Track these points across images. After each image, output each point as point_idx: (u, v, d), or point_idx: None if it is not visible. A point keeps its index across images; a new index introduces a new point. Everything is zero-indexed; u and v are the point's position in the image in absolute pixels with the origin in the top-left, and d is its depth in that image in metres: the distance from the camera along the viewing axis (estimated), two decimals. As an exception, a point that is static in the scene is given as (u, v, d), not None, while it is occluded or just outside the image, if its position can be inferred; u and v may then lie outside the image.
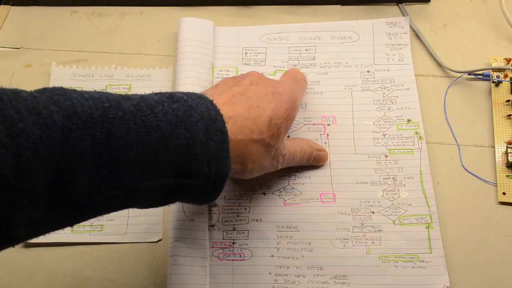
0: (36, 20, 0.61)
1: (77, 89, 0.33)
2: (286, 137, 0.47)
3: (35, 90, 0.32)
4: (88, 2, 0.62)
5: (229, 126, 0.37)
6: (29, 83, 0.56)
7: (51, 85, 0.55)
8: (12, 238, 0.30)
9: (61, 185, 0.29)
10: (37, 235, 0.31)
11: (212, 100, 0.38)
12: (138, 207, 0.37)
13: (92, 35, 0.60)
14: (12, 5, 0.62)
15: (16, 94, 0.29)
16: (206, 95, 0.39)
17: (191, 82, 0.53)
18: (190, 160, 0.35)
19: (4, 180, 0.27)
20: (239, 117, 0.39)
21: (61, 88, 0.32)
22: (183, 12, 0.61)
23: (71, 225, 0.33)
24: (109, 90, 0.55)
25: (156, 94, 0.37)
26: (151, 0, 0.62)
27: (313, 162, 0.50)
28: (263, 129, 0.41)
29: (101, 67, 0.57)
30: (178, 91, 0.38)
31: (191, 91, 0.39)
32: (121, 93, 0.35)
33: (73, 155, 0.29)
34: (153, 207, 0.38)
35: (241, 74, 0.48)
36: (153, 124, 0.33)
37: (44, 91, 0.31)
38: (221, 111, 0.37)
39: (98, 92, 0.34)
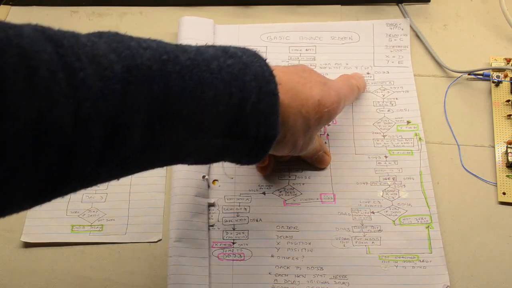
0: (36, 20, 0.60)
1: None
2: None
3: (91, 33, 0.31)
4: (88, 2, 0.62)
5: (281, 90, 0.37)
6: (29, 83, 0.56)
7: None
8: (61, 189, 0.30)
9: (116, 139, 0.29)
10: (80, 187, 0.31)
11: (265, 60, 0.37)
12: (185, 163, 0.37)
13: (92, 35, 0.60)
14: (12, 5, 0.62)
15: (75, 38, 0.29)
16: (259, 53, 0.38)
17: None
18: (240, 121, 0.35)
19: (62, 131, 0.26)
20: (292, 86, 0.39)
21: (118, 34, 0.32)
22: (183, 12, 0.61)
23: (115, 178, 0.33)
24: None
25: (209, 46, 0.36)
26: (151, 0, 0.62)
27: (315, 161, 0.50)
28: (310, 109, 0.40)
29: (101, 67, 0.57)
30: (231, 46, 0.37)
31: (243, 47, 0.38)
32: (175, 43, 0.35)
33: (130, 109, 0.29)
34: (197, 164, 0.38)
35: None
36: (208, 81, 0.33)
37: (100, 35, 0.31)
38: (275, 74, 0.37)
39: (155, 40, 0.33)
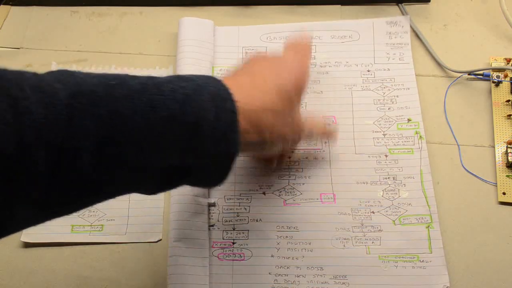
0: (36, 20, 0.61)
1: None
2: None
3: (37, 73, 0.32)
4: (88, 2, 0.62)
5: (239, 97, 0.36)
6: (29, 83, 0.56)
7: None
8: (11, 223, 0.30)
9: (63, 164, 0.29)
10: (34, 222, 0.31)
11: (220, 80, 0.37)
12: (143, 192, 0.36)
13: (92, 35, 0.60)
14: (12, 5, 0.62)
15: (20, 74, 0.29)
16: (214, 76, 0.38)
17: (191, 82, 0.53)
18: (197, 139, 0.34)
19: (6, 158, 0.27)
20: (246, 88, 0.38)
21: (67, 70, 0.32)
22: (183, 12, 0.60)
23: (69, 212, 0.33)
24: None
25: (163, 77, 0.36)
26: (151, 0, 0.62)
27: (327, 135, 0.49)
28: (273, 98, 0.39)
29: (101, 67, 0.57)
30: (185, 75, 0.37)
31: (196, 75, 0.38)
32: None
33: (77, 133, 0.29)
34: (159, 191, 0.37)
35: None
36: (160, 102, 0.32)
37: (49, 73, 0.31)
38: (229, 88, 0.36)
39: (105, 73, 0.33)
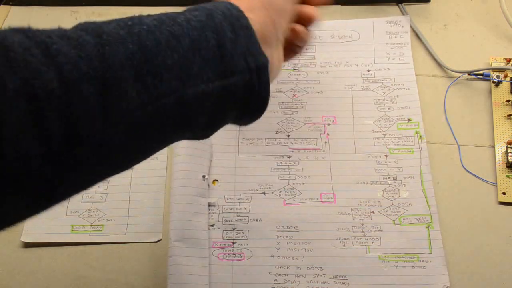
0: (36, 20, 0.61)
1: None
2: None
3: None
4: (88, 2, 0.62)
5: (251, 18, 0.37)
6: (29, 83, 0.56)
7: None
8: (75, 160, 0.29)
9: (111, 94, 0.29)
10: (95, 154, 0.30)
11: (228, 1, 0.37)
12: (193, 134, 0.37)
13: (92, 35, 0.60)
14: (12, 5, 0.62)
15: (41, 29, 0.29)
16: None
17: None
18: (225, 58, 0.34)
19: (53, 93, 0.26)
20: (256, 9, 0.38)
21: (85, 21, 0.32)
22: (183, 12, 0.60)
23: (131, 144, 0.32)
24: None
25: (172, 12, 0.37)
26: (151, 0, 0.62)
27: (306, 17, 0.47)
28: (273, 22, 0.39)
29: (101, 67, 0.57)
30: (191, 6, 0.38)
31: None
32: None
33: (113, 66, 0.29)
34: (208, 129, 0.37)
35: None
36: (179, 32, 0.33)
37: (69, 28, 0.32)
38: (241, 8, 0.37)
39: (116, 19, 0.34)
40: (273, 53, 0.39)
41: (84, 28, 0.31)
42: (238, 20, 0.36)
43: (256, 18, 0.38)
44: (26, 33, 0.28)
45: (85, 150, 0.29)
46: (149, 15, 0.35)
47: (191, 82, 0.33)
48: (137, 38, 0.31)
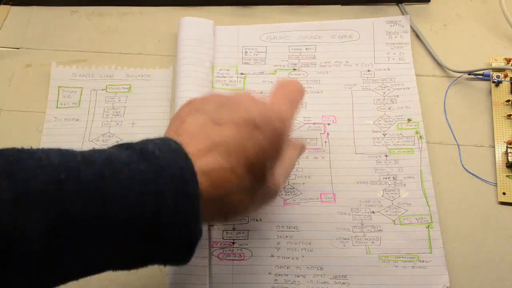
0: (36, 20, 0.61)
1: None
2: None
3: None
4: (88, 2, 0.62)
5: (204, 184, 0.33)
6: (29, 83, 0.56)
7: (51, 85, 0.56)
8: None
9: (9, 268, 0.28)
10: None
11: (187, 155, 0.33)
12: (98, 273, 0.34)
13: (92, 35, 0.60)
14: (12, 5, 0.62)
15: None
16: (181, 146, 0.34)
17: (191, 82, 0.53)
18: (156, 231, 0.31)
19: None
20: (215, 171, 0.34)
21: (19, 153, 0.30)
22: (183, 12, 0.60)
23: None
24: (109, 90, 0.55)
25: (127, 148, 0.33)
26: (151, 0, 0.62)
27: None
28: (244, 177, 0.35)
29: (101, 67, 0.57)
30: (152, 142, 0.34)
31: (165, 140, 0.34)
32: (86, 151, 0.32)
33: (23, 237, 0.27)
34: (120, 269, 0.35)
35: (224, 97, 0.39)
36: (115, 195, 0.30)
37: (1, 154, 0.29)
38: (196, 166, 0.33)
39: (61, 153, 0.31)
40: (238, 196, 0.36)
41: (11, 172, 0.28)
42: (186, 186, 0.32)
43: (210, 162, 0.34)
44: None
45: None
46: (94, 162, 0.31)
47: (109, 250, 0.31)
48: (63, 202, 0.29)
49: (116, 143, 0.35)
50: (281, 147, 0.38)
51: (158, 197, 0.31)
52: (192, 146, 0.34)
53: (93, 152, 0.32)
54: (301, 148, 0.45)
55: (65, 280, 0.31)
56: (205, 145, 0.35)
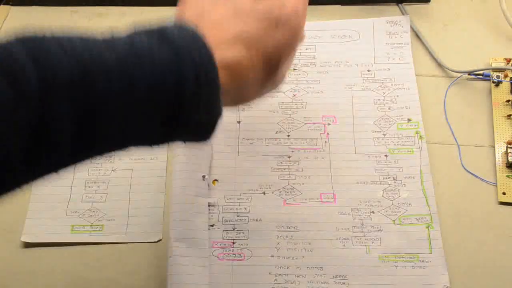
0: (36, 20, 0.61)
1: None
2: None
3: (16, 37, 0.30)
4: (88, 2, 0.62)
5: (222, 75, 0.34)
6: (29, 83, 0.56)
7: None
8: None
9: (41, 146, 0.29)
10: (21, 184, 0.30)
11: (206, 42, 0.34)
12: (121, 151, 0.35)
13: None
14: (12, 5, 0.62)
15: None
16: (200, 35, 0.34)
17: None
18: (179, 110, 0.33)
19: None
20: (236, 64, 0.36)
21: (40, 38, 0.30)
22: (183, 12, 0.60)
23: (51, 171, 0.32)
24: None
25: (147, 32, 0.33)
26: (151, 0, 0.62)
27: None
28: (259, 69, 0.37)
29: (101, 67, 0.57)
30: (170, 26, 0.34)
31: (184, 26, 0.34)
32: (107, 36, 0.33)
33: (52, 116, 0.28)
34: (142, 147, 0.36)
35: None
36: (138, 77, 0.31)
37: (20, 38, 0.30)
38: (218, 57, 0.33)
39: (82, 39, 0.31)
40: (250, 87, 0.37)
41: (36, 59, 0.29)
42: (206, 73, 0.33)
43: (230, 55, 0.35)
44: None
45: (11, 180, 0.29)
46: (113, 47, 0.31)
47: (134, 129, 0.32)
48: (89, 85, 0.29)
49: (134, 27, 0.35)
50: (296, 43, 0.40)
51: (179, 78, 0.32)
52: (214, 37, 0.35)
53: (114, 37, 0.33)
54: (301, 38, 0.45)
55: (91, 156, 0.33)
56: (228, 36, 0.36)
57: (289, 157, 0.51)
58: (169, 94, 0.32)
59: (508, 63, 0.55)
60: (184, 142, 0.37)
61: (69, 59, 0.29)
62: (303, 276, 0.46)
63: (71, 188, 0.51)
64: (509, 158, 0.49)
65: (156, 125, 0.33)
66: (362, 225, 0.48)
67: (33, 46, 0.29)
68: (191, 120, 0.34)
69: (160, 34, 0.33)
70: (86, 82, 0.29)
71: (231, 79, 0.35)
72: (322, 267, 0.46)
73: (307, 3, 0.42)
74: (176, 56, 0.32)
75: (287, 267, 0.46)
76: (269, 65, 0.37)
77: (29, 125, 0.28)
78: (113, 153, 0.34)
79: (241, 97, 0.39)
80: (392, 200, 0.49)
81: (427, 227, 0.47)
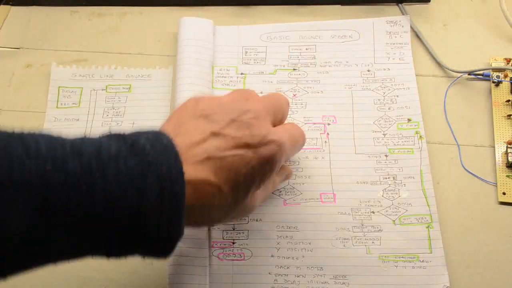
0: (36, 20, 0.61)
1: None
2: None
3: None
4: (88, 2, 0.62)
5: (188, 190, 0.33)
6: (29, 83, 0.56)
7: (51, 85, 0.56)
8: None
9: None
10: None
11: (178, 153, 0.33)
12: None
13: (92, 35, 0.60)
14: (12, 5, 0.62)
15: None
16: (173, 143, 0.34)
17: (191, 82, 0.53)
18: (138, 226, 0.32)
19: None
20: (202, 182, 0.35)
21: (9, 138, 0.30)
22: (183, 12, 0.60)
23: None
24: (109, 90, 0.55)
25: (118, 139, 0.33)
26: (151, 0, 0.62)
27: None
28: (227, 195, 0.36)
29: (101, 67, 0.57)
30: (144, 135, 0.33)
31: (158, 134, 0.34)
32: (77, 139, 0.32)
33: (5, 216, 0.28)
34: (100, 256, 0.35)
35: (235, 111, 0.38)
36: (99, 188, 0.30)
37: None
38: (185, 171, 0.33)
39: (50, 141, 0.31)
40: (214, 211, 0.37)
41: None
42: (172, 185, 0.32)
43: (200, 174, 0.35)
44: None
45: None
46: (81, 154, 0.31)
47: (87, 242, 0.31)
48: (47, 192, 0.29)
49: (108, 132, 0.34)
50: (272, 173, 0.39)
51: (142, 194, 0.31)
52: (187, 151, 0.35)
53: (83, 141, 0.32)
54: (287, 176, 0.47)
55: (43, 264, 0.32)
56: (200, 155, 0.35)
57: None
58: (130, 206, 0.31)
59: (508, 63, 0.55)
60: (143, 257, 0.35)
61: (30, 164, 0.29)
62: (303, 276, 0.46)
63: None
64: (509, 158, 0.49)
65: (115, 236, 0.32)
66: (362, 225, 0.48)
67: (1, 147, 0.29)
68: (150, 234, 0.32)
69: (132, 143, 0.33)
70: (43, 188, 0.29)
71: (196, 197, 0.34)
72: (322, 267, 0.46)
73: (294, 145, 0.42)
74: (142, 168, 0.31)
75: (287, 267, 0.46)
76: (238, 191, 0.37)
77: None
78: (68, 261, 0.33)
79: (205, 219, 0.38)
80: (392, 200, 0.49)
81: (427, 227, 0.47)
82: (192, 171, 0.34)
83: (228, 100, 0.39)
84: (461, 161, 0.51)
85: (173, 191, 0.32)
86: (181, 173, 0.33)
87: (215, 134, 0.36)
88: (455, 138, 0.52)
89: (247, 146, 0.36)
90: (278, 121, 0.42)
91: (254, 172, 0.37)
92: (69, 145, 0.31)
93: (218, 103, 0.39)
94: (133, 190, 0.31)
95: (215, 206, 0.36)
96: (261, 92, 0.54)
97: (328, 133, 0.52)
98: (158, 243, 0.33)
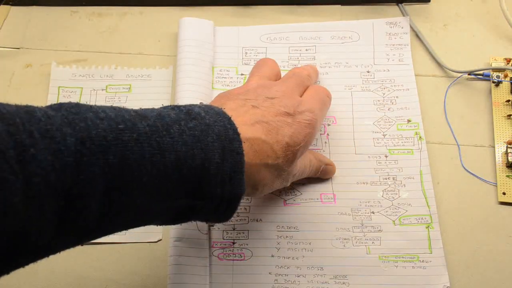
0: (36, 20, 0.61)
1: (93, 104, 0.33)
2: None
3: (51, 106, 0.31)
4: (88, 2, 0.62)
5: (245, 148, 0.36)
6: (29, 83, 0.56)
7: (51, 85, 0.56)
8: (17, 264, 0.30)
9: (71, 211, 0.29)
10: (38, 259, 0.31)
11: (230, 117, 0.37)
12: (144, 225, 0.36)
13: (92, 35, 0.60)
14: (12, 5, 0.62)
15: (30, 114, 0.28)
16: (224, 111, 0.38)
17: (191, 82, 0.53)
18: (204, 181, 0.34)
19: (13, 208, 0.26)
20: (256, 140, 0.39)
21: (77, 106, 0.31)
22: (183, 12, 0.61)
23: (73, 247, 0.32)
24: (109, 90, 0.55)
25: (173, 108, 0.36)
26: (151, 0, 0.62)
27: (320, 175, 0.49)
28: (279, 154, 0.40)
29: (101, 67, 0.57)
30: (196, 105, 0.37)
31: (208, 105, 0.38)
32: (137, 109, 0.34)
33: (84, 180, 0.29)
34: (163, 225, 0.38)
35: (255, 79, 0.47)
36: (168, 145, 0.32)
37: (60, 107, 0.31)
38: (239, 131, 0.36)
39: (115, 108, 0.33)
40: (268, 171, 0.40)
41: (75, 122, 0.30)
42: (231, 143, 0.35)
43: (252, 131, 0.39)
44: (8, 125, 0.27)
45: (30, 257, 0.30)
46: (147, 116, 0.33)
47: (159, 199, 0.33)
48: (122, 148, 0.30)
49: (161, 105, 0.37)
50: (312, 138, 0.44)
51: (206, 152, 0.34)
52: (236, 118, 0.38)
53: (143, 110, 0.34)
54: (325, 168, 0.49)
55: (114, 229, 0.33)
56: (248, 120, 0.40)
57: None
58: (196, 163, 0.33)
59: (508, 63, 0.55)
60: (207, 221, 0.39)
61: (104, 125, 0.30)
62: (303, 276, 0.46)
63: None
64: (509, 158, 0.49)
65: (183, 194, 0.34)
66: (362, 225, 0.48)
67: (70, 113, 0.30)
68: (216, 191, 0.35)
69: (187, 110, 0.36)
70: (119, 145, 0.30)
71: (253, 154, 0.38)
72: (322, 267, 0.46)
73: (325, 105, 0.48)
74: (202, 129, 0.34)
75: (287, 267, 0.46)
76: (287, 152, 0.41)
77: (63, 187, 0.28)
78: (135, 227, 0.35)
79: (261, 180, 0.40)
80: (392, 201, 0.49)
81: (427, 227, 0.47)
82: (246, 131, 0.38)
83: (255, 85, 0.45)
84: (461, 161, 0.51)
85: (232, 148, 0.35)
86: (237, 132, 0.36)
87: (255, 107, 0.41)
88: (455, 138, 0.52)
89: (286, 114, 0.42)
90: (304, 90, 0.47)
91: (298, 135, 0.41)
92: (133, 111, 0.33)
93: (246, 89, 0.44)
94: (197, 148, 0.34)
95: (269, 165, 0.40)
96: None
97: (328, 134, 0.52)
98: (222, 202, 0.36)
